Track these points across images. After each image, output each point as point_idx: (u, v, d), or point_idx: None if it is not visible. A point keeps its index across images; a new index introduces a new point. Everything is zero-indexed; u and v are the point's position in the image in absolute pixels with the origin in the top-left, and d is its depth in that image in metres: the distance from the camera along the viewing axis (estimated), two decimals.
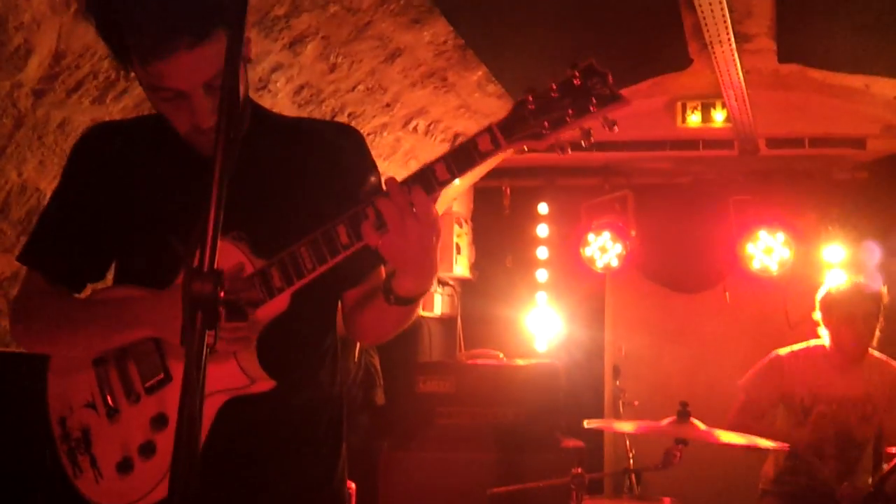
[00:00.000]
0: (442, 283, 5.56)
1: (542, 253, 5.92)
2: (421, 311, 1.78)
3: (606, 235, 5.44)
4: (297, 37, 3.13)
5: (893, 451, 3.37)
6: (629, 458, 4.28)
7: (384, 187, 1.49)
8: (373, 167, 1.82)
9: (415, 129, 4.41)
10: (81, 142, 1.81)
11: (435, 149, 4.79)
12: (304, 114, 3.53)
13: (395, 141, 4.41)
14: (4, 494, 2.55)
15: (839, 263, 5.18)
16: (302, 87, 3.48)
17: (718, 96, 4.76)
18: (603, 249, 5.46)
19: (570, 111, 1.47)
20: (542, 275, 5.92)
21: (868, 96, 4.74)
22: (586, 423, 3.16)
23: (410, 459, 4.38)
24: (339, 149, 1.79)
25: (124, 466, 1.63)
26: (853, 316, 3.62)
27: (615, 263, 5.42)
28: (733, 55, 3.87)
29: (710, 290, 5.57)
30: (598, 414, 5.61)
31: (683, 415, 3.11)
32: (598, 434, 5.44)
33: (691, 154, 5.32)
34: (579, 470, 3.22)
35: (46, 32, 2.32)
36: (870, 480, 3.61)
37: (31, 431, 1.82)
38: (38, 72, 2.42)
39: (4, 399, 2.59)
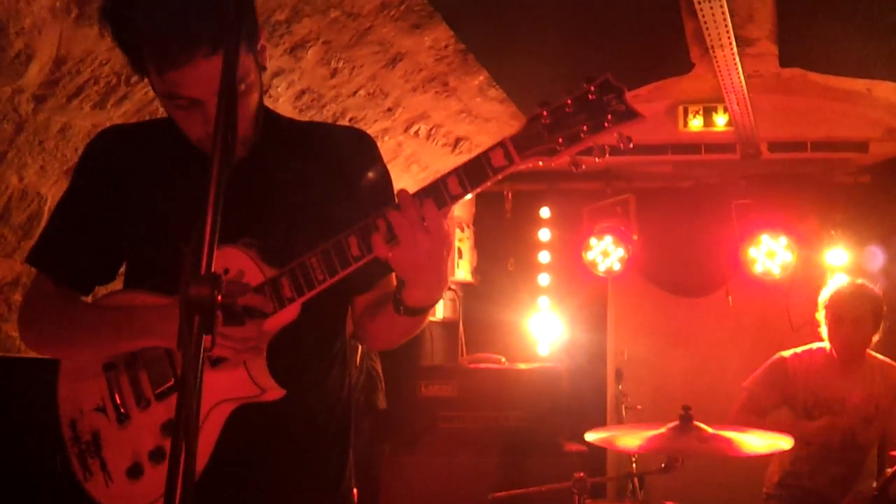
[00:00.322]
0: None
1: (543, 257, 5.92)
2: None
3: (608, 239, 5.43)
4: (298, 42, 3.13)
5: None
6: (632, 463, 4.27)
7: (396, 200, 1.48)
8: (384, 172, 1.82)
9: (416, 133, 4.42)
10: (92, 144, 1.81)
11: (436, 153, 4.79)
12: (305, 119, 3.53)
13: (397, 145, 4.41)
14: (14, 496, 2.56)
15: (842, 267, 5.17)
16: (303, 92, 3.48)
17: (720, 100, 4.75)
18: (605, 253, 5.45)
19: (584, 127, 1.45)
20: (544, 279, 5.92)
21: (870, 100, 4.74)
22: (588, 437, 3.14)
23: (412, 464, 4.37)
24: (351, 154, 1.79)
25: (134, 471, 1.63)
26: (843, 317, 3.64)
27: (617, 267, 5.42)
28: (735, 59, 3.87)
29: (712, 293, 5.56)
30: (601, 418, 5.60)
31: (686, 418, 3.10)
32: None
33: (693, 158, 5.31)
34: (582, 474, 3.21)
35: (47, 38, 2.32)
36: (874, 484, 3.61)
37: (41, 434, 1.82)
38: (38, 77, 2.42)
39: (13, 402, 2.59)
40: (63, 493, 1.71)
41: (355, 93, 3.72)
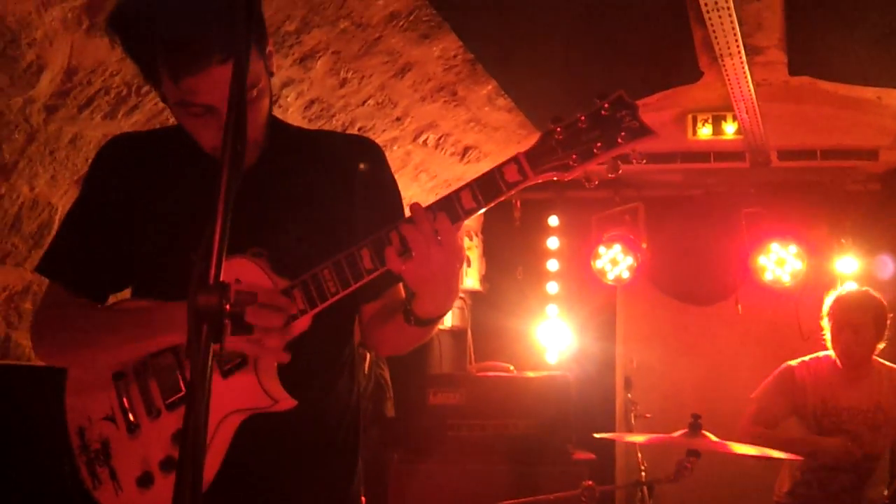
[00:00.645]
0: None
1: (552, 265, 5.91)
2: None
3: (617, 248, 5.43)
4: (308, 52, 3.15)
5: None
6: (641, 471, 4.25)
7: (409, 213, 1.48)
8: (391, 180, 1.83)
9: (425, 142, 4.43)
10: (102, 152, 1.81)
11: (445, 162, 4.80)
12: (314, 129, 3.55)
13: (406, 154, 4.42)
14: (23, 503, 2.57)
15: (852, 275, 5.15)
16: (312, 102, 3.50)
17: (729, 109, 4.75)
18: (614, 262, 5.45)
19: (598, 143, 1.45)
20: (552, 287, 5.91)
21: (880, 108, 4.72)
22: (597, 435, 3.14)
23: (421, 472, 4.36)
24: (358, 162, 1.79)
25: (145, 481, 1.63)
26: (843, 324, 3.64)
27: (626, 275, 5.41)
28: (744, 68, 3.87)
29: (722, 302, 5.54)
30: (610, 426, 5.58)
31: (695, 427, 3.09)
32: (609, 446, 5.40)
33: (702, 166, 5.31)
34: (590, 482, 3.20)
35: (58, 49, 2.34)
36: (885, 492, 3.60)
37: (52, 441, 1.82)
38: (50, 87, 2.44)
39: (24, 409, 2.60)
40: (72, 501, 1.72)
41: (364, 102, 3.73)
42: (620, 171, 1.49)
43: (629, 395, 4.88)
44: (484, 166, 5.03)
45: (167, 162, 1.75)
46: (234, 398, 1.59)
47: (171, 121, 1.72)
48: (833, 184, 5.42)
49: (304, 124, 3.51)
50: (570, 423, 4.54)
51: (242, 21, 1.26)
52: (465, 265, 5.41)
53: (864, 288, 3.81)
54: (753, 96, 4.30)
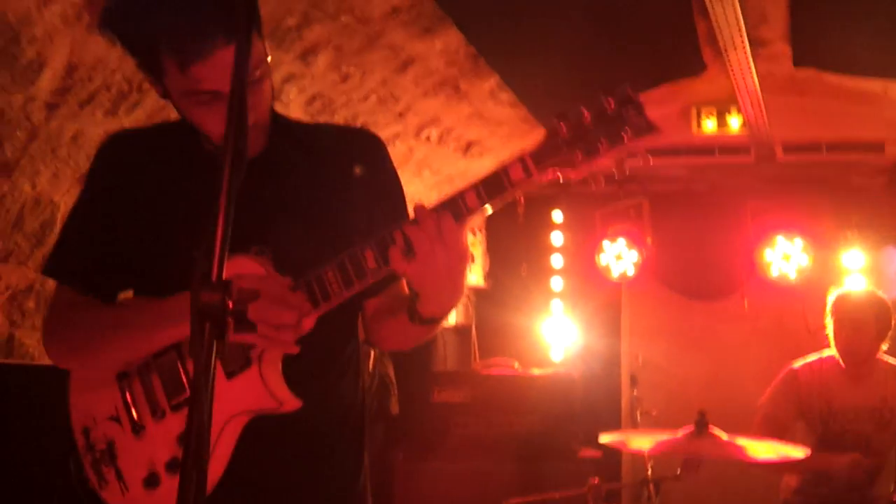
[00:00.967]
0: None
1: (556, 261, 5.89)
2: None
3: (622, 243, 5.41)
4: (309, 47, 3.13)
5: None
6: (647, 469, 4.23)
7: (413, 214, 1.47)
8: (393, 173, 1.81)
9: (427, 137, 4.41)
10: (102, 150, 1.79)
11: (448, 157, 4.78)
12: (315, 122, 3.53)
13: (408, 150, 4.41)
14: (27, 501, 2.56)
15: (858, 269, 5.13)
16: (314, 98, 3.48)
17: (734, 102, 4.71)
18: (618, 257, 5.43)
19: (603, 140, 1.44)
20: (557, 283, 5.89)
21: (886, 100, 4.69)
22: (602, 439, 3.12)
23: (426, 470, 4.35)
24: (359, 155, 1.77)
25: (151, 481, 1.62)
26: (844, 322, 3.63)
27: (631, 271, 5.39)
28: (748, 60, 3.84)
29: (727, 297, 5.52)
30: (616, 424, 5.56)
31: (702, 424, 3.07)
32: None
33: (707, 160, 5.27)
34: (596, 480, 3.19)
35: (59, 46, 2.33)
36: (892, 488, 3.58)
37: (57, 440, 1.80)
38: (51, 85, 2.43)
39: (29, 408, 2.60)
40: (77, 500, 1.71)
41: (366, 98, 3.71)
42: (627, 172, 1.48)
43: (635, 392, 4.87)
44: (487, 161, 5.05)
45: (168, 158, 1.73)
46: (239, 400, 1.58)
47: (173, 116, 1.70)
48: (839, 177, 5.40)
49: (306, 120, 3.49)
50: (576, 421, 4.53)
51: (242, 2, 1.24)
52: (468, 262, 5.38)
53: (868, 288, 3.79)
54: (758, 89, 4.27)
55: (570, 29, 3.67)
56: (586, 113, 1.45)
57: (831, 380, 3.68)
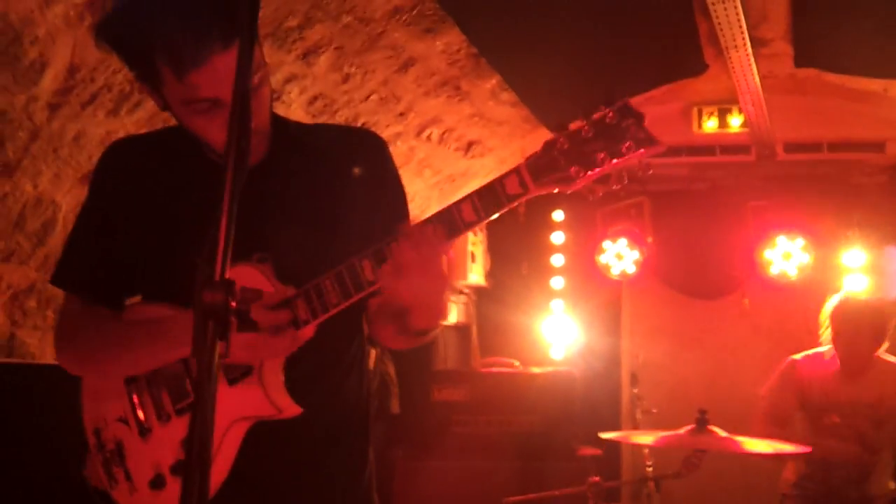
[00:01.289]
0: (457, 291, 5.55)
1: (557, 260, 5.89)
2: None
3: (623, 242, 5.41)
4: (311, 48, 3.14)
5: None
6: (647, 466, 4.24)
7: (403, 233, 1.47)
8: (394, 173, 1.80)
9: (428, 137, 4.41)
10: (105, 158, 1.79)
11: (449, 157, 4.78)
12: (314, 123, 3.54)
13: (409, 150, 4.41)
14: (31, 500, 2.57)
15: (859, 268, 5.13)
16: (315, 98, 3.49)
17: (735, 101, 4.71)
18: (619, 256, 5.43)
19: (602, 154, 1.41)
20: (557, 282, 5.89)
21: (887, 100, 4.69)
22: (603, 435, 3.13)
23: (426, 468, 4.36)
24: (360, 156, 1.77)
25: (157, 483, 1.64)
26: (840, 332, 3.65)
27: (632, 270, 5.39)
28: (749, 60, 3.84)
29: (728, 296, 5.52)
30: (616, 422, 5.57)
31: (702, 422, 3.08)
32: (615, 441, 5.39)
33: (708, 160, 5.27)
34: (597, 478, 3.19)
35: (61, 46, 2.34)
36: (892, 485, 3.60)
37: (62, 439, 1.82)
38: (52, 85, 2.44)
39: (31, 408, 2.61)
40: (83, 499, 1.72)
41: (368, 98, 3.72)
42: (626, 182, 1.46)
43: (635, 391, 4.87)
44: (488, 161, 5.05)
45: (170, 164, 1.73)
46: (240, 406, 1.59)
47: (174, 119, 1.70)
48: (840, 176, 5.40)
49: (307, 120, 3.50)
50: (576, 419, 4.53)
51: (245, 6, 1.23)
52: (469, 260, 5.39)
53: (866, 295, 3.81)
54: (759, 89, 4.27)
55: (571, 29, 3.67)
56: (586, 125, 1.42)
57: (830, 373, 3.71)
